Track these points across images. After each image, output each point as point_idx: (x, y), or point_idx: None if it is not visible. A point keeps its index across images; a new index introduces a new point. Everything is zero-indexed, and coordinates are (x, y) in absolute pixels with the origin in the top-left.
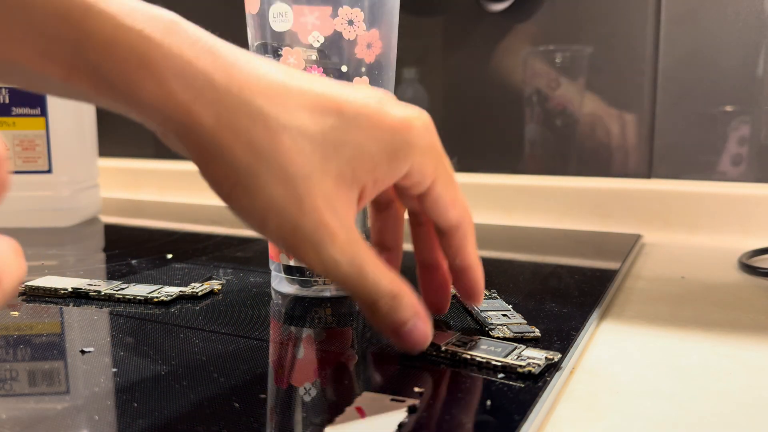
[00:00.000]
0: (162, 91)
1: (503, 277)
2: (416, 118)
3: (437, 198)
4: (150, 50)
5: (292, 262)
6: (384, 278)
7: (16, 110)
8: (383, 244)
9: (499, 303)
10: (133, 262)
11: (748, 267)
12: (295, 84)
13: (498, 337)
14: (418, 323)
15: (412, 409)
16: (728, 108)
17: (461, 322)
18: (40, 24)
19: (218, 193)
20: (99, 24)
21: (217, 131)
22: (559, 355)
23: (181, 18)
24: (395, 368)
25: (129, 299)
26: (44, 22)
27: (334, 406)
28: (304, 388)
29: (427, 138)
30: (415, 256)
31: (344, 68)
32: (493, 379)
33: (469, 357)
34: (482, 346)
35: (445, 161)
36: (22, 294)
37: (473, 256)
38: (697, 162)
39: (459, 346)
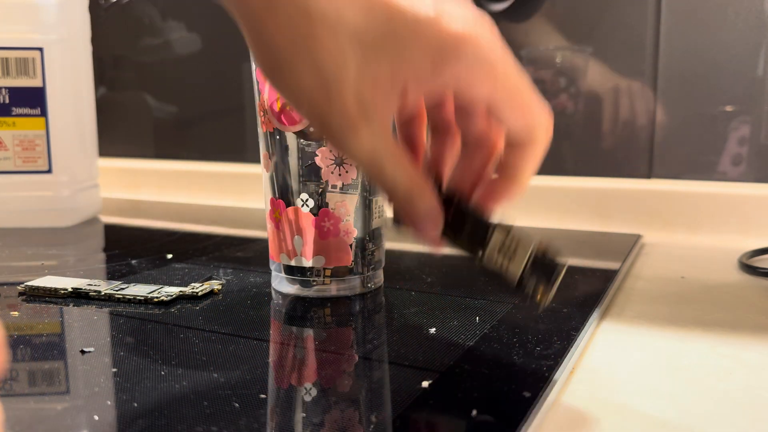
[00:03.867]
0: None
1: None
2: (472, 32)
3: (496, 112)
4: None
5: (292, 262)
6: (402, 174)
7: (16, 110)
8: (438, 169)
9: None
10: (133, 262)
11: (748, 267)
12: None
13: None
14: (427, 223)
15: (413, 408)
16: (728, 108)
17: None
18: None
19: (261, 69)
20: None
21: (263, 15)
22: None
23: None
24: (396, 368)
25: (129, 299)
26: None
27: (335, 406)
28: (304, 388)
29: (480, 53)
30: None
31: None
32: (494, 381)
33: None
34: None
35: (507, 72)
36: (22, 294)
37: (526, 178)
38: (697, 162)
39: None
